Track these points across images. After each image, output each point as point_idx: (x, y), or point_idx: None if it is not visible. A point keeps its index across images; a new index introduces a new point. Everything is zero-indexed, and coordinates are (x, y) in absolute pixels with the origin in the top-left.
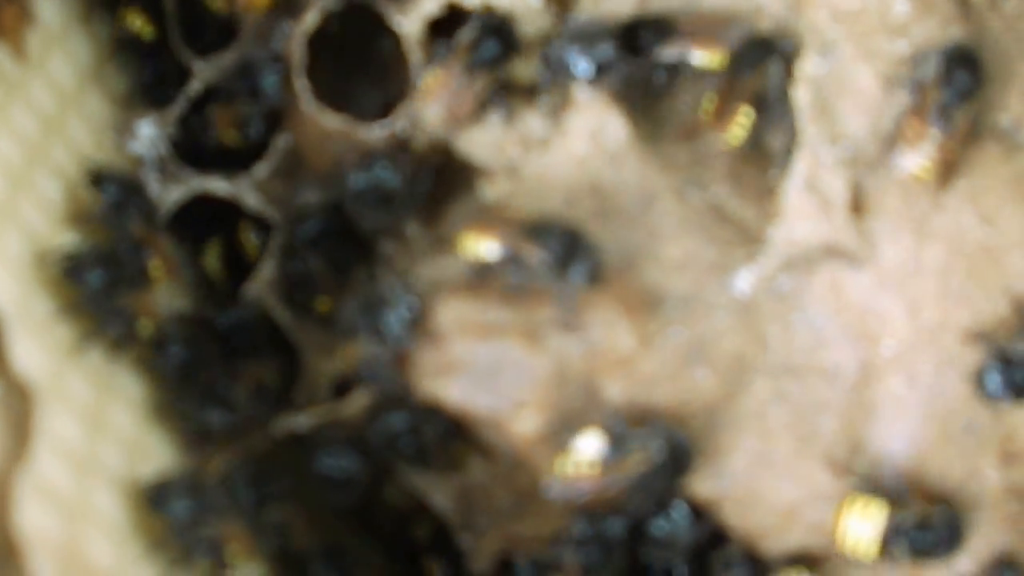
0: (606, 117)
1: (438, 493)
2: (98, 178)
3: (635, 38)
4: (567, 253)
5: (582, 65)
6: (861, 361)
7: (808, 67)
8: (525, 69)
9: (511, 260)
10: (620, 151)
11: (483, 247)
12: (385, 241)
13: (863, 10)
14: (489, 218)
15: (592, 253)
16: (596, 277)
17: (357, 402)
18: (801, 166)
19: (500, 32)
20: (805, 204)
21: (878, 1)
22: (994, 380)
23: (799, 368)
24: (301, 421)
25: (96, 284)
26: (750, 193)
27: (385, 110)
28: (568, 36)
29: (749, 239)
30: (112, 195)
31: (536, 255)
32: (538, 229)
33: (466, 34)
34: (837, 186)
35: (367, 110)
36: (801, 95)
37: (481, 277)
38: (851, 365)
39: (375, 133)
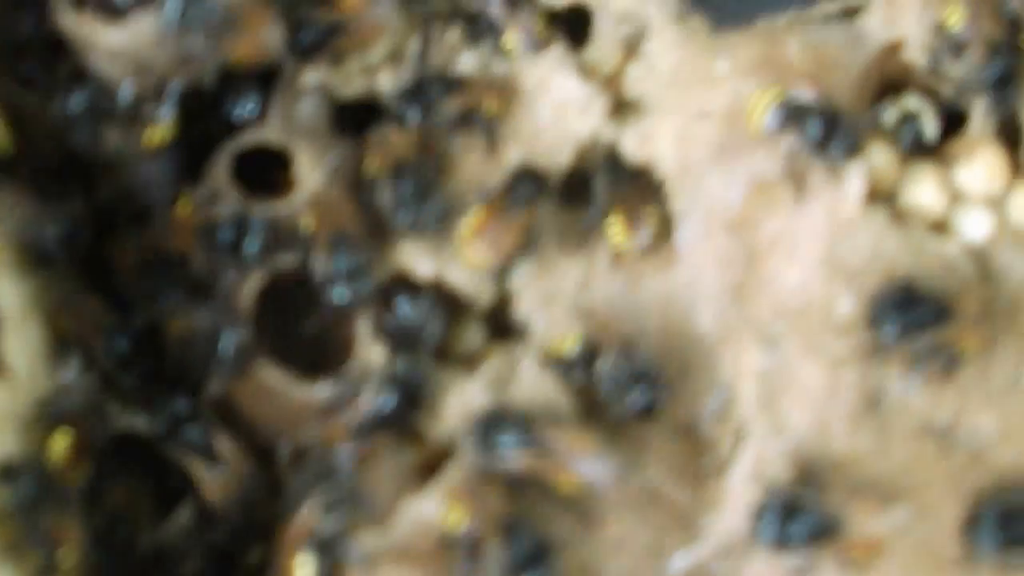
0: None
1: None
2: (9, 471)
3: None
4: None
5: None
6: None
7: (753, 362)
8: (471, 338)
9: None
10: None
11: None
12: None
13: (808, 306)
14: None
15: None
16: None
17: None
18: (747, 459)
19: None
20: (749, 494)
21: (822, 299)
22: None
23: None
24: None
25: None
26: (686, 477)
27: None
28: None
29: (684, 523)
30: (25, 489)
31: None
32: (511, 528)
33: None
34: (780, 478)
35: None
36: (746, 389)
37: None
38: None
39: (317, 393)
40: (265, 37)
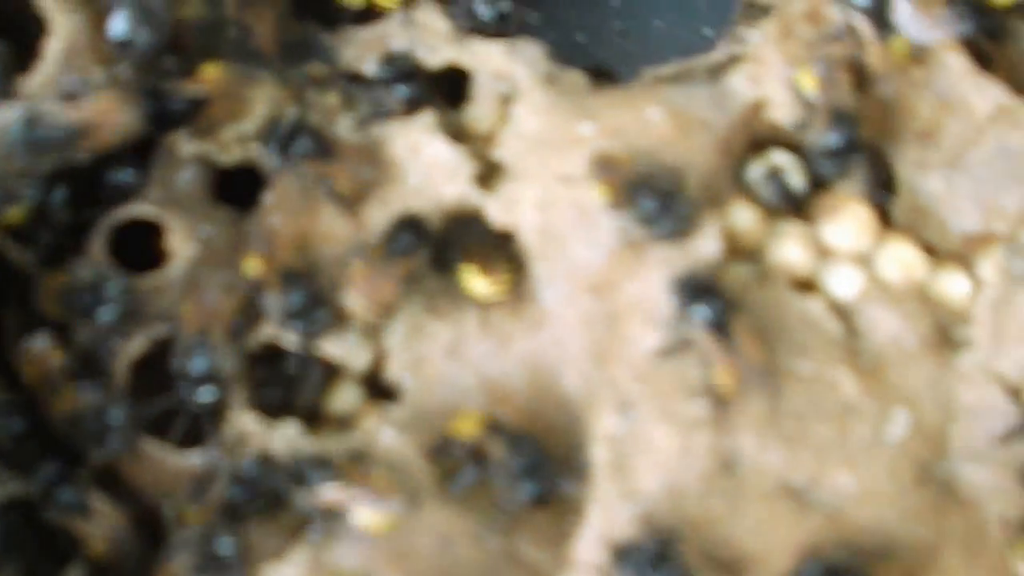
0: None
1: None
2: None
3: None
4: None
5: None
6: None
7: (607, 425)
8: (345, 400)
9: None
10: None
11: None
12: None
13: (663, 370)
14: None
15: None
16: None
17: None
18: (595, 522)
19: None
20: (597, 558)
21: (677, 363)
22: None
23: None
24: None
25: None
26: (545, 539)
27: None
28: None
29: None
30: None
31: None
32: None
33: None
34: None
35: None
36: (599, 452)
37: None
38: None
39: (191, 461)
40: (120, 122)
